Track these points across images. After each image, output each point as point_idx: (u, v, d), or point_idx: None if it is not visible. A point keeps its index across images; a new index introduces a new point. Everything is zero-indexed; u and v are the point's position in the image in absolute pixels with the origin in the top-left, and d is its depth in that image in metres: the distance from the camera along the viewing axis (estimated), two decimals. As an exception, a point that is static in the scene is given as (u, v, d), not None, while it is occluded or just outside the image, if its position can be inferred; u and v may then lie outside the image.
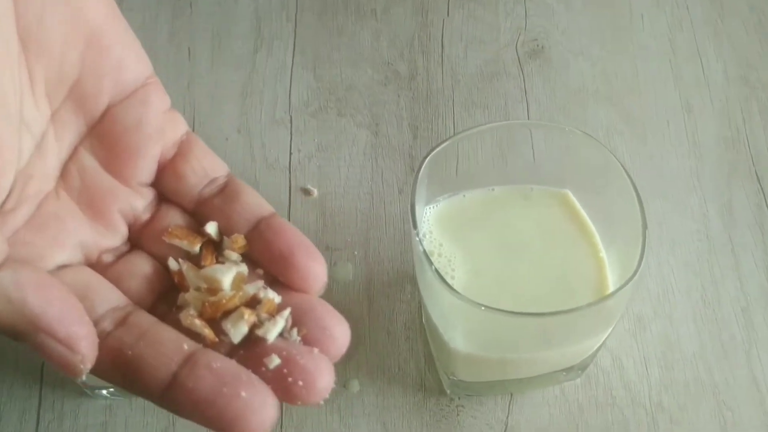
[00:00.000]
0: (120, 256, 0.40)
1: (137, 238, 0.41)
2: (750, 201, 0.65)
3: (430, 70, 0.72)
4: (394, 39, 0.74)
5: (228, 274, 0.39)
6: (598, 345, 0.54)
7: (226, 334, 0.37)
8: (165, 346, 0.35)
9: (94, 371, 0.35)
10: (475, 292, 0.47)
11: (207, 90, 0.70)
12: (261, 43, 0.73)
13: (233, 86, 0.71)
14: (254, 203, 0.41)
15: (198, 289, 0.39)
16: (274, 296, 0.38)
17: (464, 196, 0.56)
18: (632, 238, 0.49)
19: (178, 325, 0.37)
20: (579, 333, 0.50)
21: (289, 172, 0.67)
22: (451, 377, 0.55)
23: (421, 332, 0.60)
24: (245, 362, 0.35)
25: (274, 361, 0.36)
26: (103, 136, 0.40)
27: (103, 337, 0.35)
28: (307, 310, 0.38)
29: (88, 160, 0.40)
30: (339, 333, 0.38)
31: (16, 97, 0.36)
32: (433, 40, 0.74)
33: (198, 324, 0.37)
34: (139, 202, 0.41)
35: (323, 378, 0.36)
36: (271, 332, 0.37)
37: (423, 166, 0.51)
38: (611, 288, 0.52)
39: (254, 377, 0.35)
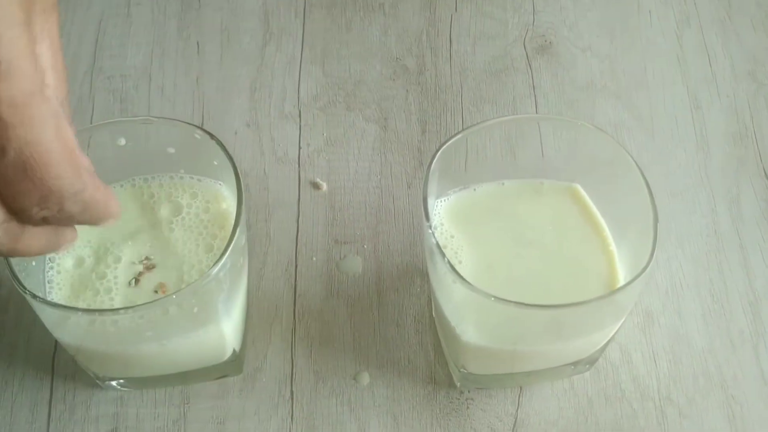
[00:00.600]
0: None
1: None
2: (758, 196, 0.65)
3: (438, 66, 0.72)
4: (403, 34, 0.74)
5: None
6: (608, 338, 0.54)
7: None
8: None
9: None
10: (486, 285, 0.47)
11: (216, 84, 0.71)
12: (270, 37, 0.73)
13: (242, 80, 0.71)
14: None
15: None
16: None
17: (475, 189, 0.56)
18: (643, 232, 0.50)
19: None
20: (590, 325, 0.51)
21: (299, 166, 0.67)
22: (461, 370, 0.55)
23: (431, 325, 0.60)
24: None
25: None
26: None
27: None
28: None
29: None
30: None
31: None
32: (441, 36, 0.74)
33: None
34: None
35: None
36: None
37: (435, 159, 0.51)
38: (621, 281, 0.53)
39: None
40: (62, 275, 0.52)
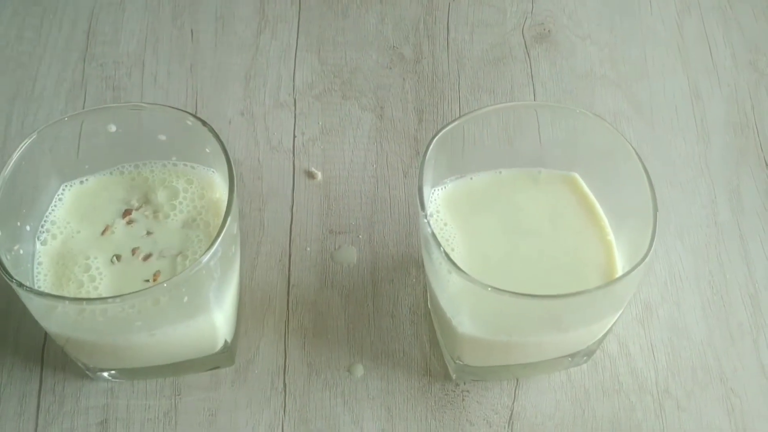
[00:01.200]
0: None
1: None
2: (758, 187, 0.64)
3: (435, 54, 0.71)
4: (399, 22, 0.73)
5: None
6: (606, 330, 0.53)
7: None
8: None
9: None
10: (482, 275, 0.47)
11: (210, 72, 0.70)
12: (265, 25, 0.72)
13: (237, 69, 0.70)
14: None
15: None
16: None
17: (471, 178, 0.55)
18: (642, 222, 0.49)
19: None
20: (588, 316, 0.50)
21: (293, 155, 0.66)
22: (457, 362, 0.55)
23: (426, 316, 0.59)
24: None
25: None
26: None
27: None
28: None
29: None
30: None
31: None
32: (438, 24, 0.73)
33: None
34: None
35: None
36: None
37: (431, 147, 0.50)
38: (619, 271, 0.52)
39: None
40: (49, 260, 0.52)
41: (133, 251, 0.52)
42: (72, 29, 0.72)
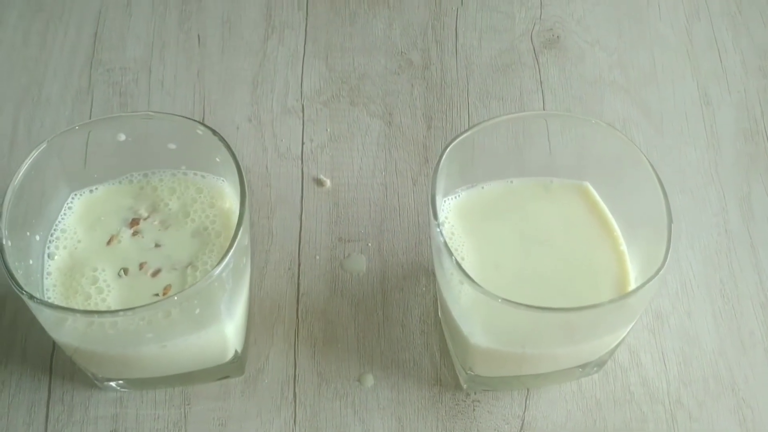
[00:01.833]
0: None
1: None
2: (769, 194, 0.64)
3: (444, 60, 0.71)
4: (408, 28, 0.72)
5: None
6: (619, 341, 0.53)
7: None
8: None
9: None
10: (495, 285, 0.46)
11: (217, 78, 0.69)
12: (272, 30, 0.72)
13: (244, 74, 0.70)
14: None
15: None
16: None
17: (483, 187, 0.55)
18: (655, 232, 0.49)
19: None
20: (601, 328, 0.49)
21: (302, 162, 0.66)
22: (468, 372, 0.54)
23: (437, 326, 0.59)
24: None
25: None
26: None
27: None
28: None
29: None
30: None
31: None
32: (447, 29, 0.72)
33: None
34: None
35: None
36: None
37: (443, 157, 0.50)
38: (632, 282, 0.52)
39: None
40: (58, 271, 0.51)
41: (141, 265, 0.52)
42: (78, 34, 0.71)
